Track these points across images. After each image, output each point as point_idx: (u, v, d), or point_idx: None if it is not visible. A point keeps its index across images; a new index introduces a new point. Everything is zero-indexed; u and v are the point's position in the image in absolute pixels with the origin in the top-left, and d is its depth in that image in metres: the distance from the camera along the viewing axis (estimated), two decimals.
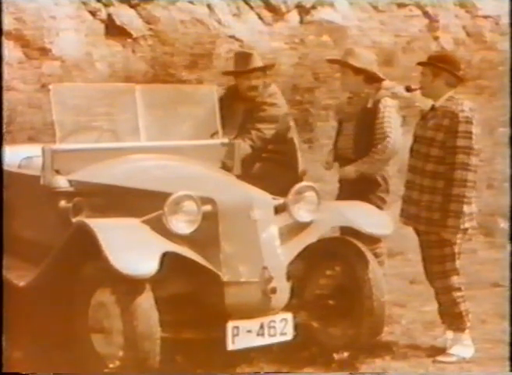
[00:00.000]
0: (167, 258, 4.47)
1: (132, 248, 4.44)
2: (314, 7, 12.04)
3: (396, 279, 6.79)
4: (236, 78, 6.26)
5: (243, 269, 4.64)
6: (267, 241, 4.71)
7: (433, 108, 5.32)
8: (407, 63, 10.33)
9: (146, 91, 5.65)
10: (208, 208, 4.66)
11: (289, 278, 4.86)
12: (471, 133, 5.12)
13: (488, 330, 5.74)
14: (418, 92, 5.46)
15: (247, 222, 4.67)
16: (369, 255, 5.16)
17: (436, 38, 12.50)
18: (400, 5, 12.44)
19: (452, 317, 5.33)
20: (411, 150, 5.35)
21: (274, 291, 4.65)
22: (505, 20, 12.19)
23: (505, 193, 8.17)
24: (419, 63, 5.34)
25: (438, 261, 5.25)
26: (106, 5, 10.68)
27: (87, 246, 4.54)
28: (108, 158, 5.31)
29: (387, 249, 6.41)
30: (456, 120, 5.13)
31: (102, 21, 10.55)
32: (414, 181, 5.28)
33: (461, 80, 5.28)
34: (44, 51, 9.48)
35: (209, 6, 11.31)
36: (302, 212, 5.00)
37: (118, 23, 10.65)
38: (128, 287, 4.38)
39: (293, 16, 11.88)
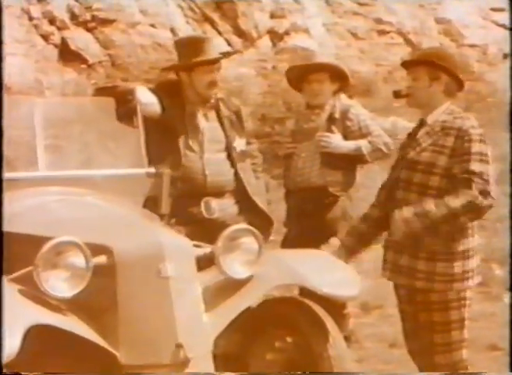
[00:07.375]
0: (42, 331, 3.47)
1: None
2: (287, 33, 12.07)
3: (371, 341, 6.04)
4: (189, 72, 4.88)
5: (148, 348, 3.67)
6: (184, 306, 3.72)
7: (423, 123, 4.22)
8: (388, 94, 10.23)
9: (48, 105, 4.84)
10: (102, 259, 3.68)
11: (220, 356, 3.87)
12: (487, 155, 4.15)
13: None
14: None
15: (156, 280, 3.69)
16: (329, 323, 4.09)
17: None
18: (381, 32, 12.56)
19: None
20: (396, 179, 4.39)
21: None
22: (492, 50, 12.88)
23: (498, 234, 7.81)
24: (413, 61, 4.32)
25: (442, 329, 4.22)
26: (60, 29, 10.68)
27: None
28: None
29: (361, 304, 5.93)
30: (467, 139, 4.13)
31: (56, 46, 10.52)
32: None
33: (462, 87, 4.29)
34: None
35: (172, 30, 11.29)
36: (236, 266, 3.97)
37: (73, 47, 10.67)
38: None
39: (265, 42, 11.90)
